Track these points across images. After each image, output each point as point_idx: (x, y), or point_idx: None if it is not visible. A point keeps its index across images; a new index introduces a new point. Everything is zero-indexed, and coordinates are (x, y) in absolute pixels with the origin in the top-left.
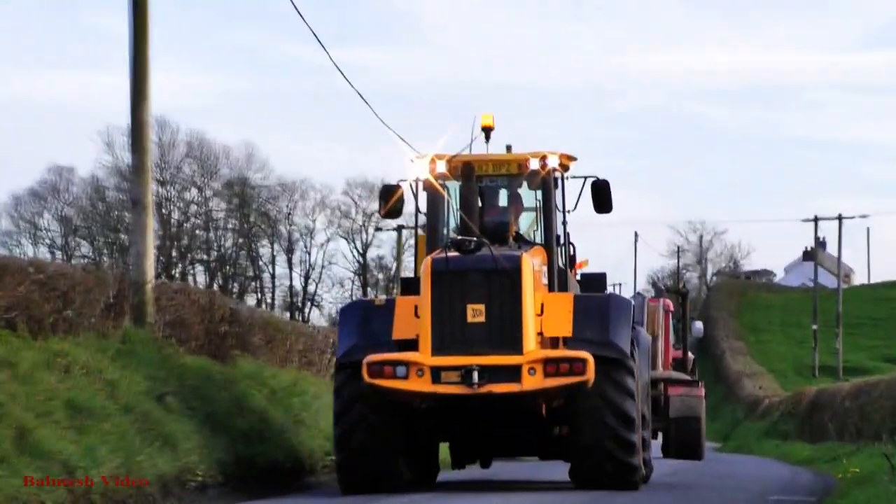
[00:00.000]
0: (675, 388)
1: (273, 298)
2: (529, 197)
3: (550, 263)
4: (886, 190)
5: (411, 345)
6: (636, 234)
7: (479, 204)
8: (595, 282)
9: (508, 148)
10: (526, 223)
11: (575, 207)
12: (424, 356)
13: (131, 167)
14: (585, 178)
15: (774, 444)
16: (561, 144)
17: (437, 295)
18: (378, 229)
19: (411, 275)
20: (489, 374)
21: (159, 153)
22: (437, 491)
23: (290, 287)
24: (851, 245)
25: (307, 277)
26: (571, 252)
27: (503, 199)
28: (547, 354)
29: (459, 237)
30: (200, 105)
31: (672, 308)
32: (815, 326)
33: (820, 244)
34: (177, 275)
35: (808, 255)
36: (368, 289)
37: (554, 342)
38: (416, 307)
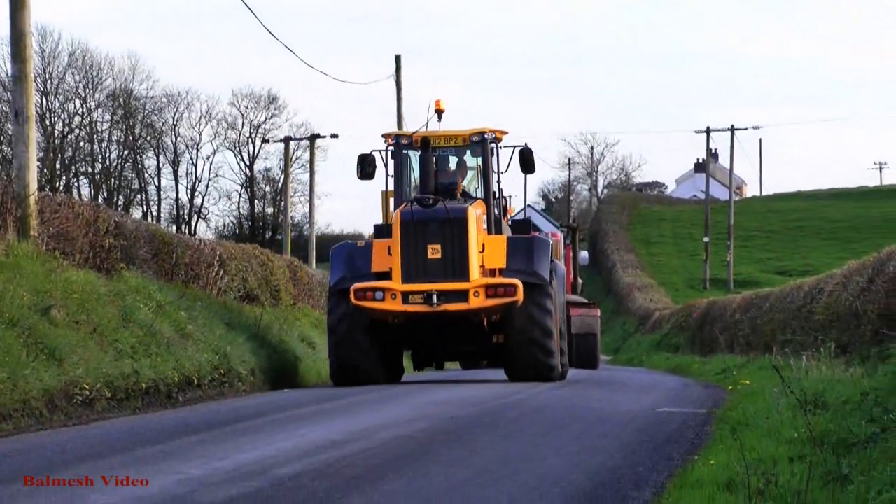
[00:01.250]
0: (575, 309)
1: (159, 211)
2: (472, 162)
3: (489, 213)
4: (779, 101)
5: (386, 276)
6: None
7: (434, 168)
8: (522, 225)
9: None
10: (470, 182)
11: (506, 169)
12: (396, 283)
13: (11, 77)
14: (514, 146)
15: (665, 357)
16: (462, 54)
17: (405, 238)
18: (265, 141)
19: (371, 214)
20: (445, 296)
21: (41, 63)
22: (403, 386)
23: (177, 200)
24: (744, 157)
25: (193, 190)
26: (504, 203)
27: (452, 164)
28: (487, 281)
29: (421, 195)
30: (83, 14)
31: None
32: (706, 239)
33: (712, 156)
34: (61, 187)
35: (699, 167)
36: (256, 202)
37: (492, 272)
38: (388, 247)
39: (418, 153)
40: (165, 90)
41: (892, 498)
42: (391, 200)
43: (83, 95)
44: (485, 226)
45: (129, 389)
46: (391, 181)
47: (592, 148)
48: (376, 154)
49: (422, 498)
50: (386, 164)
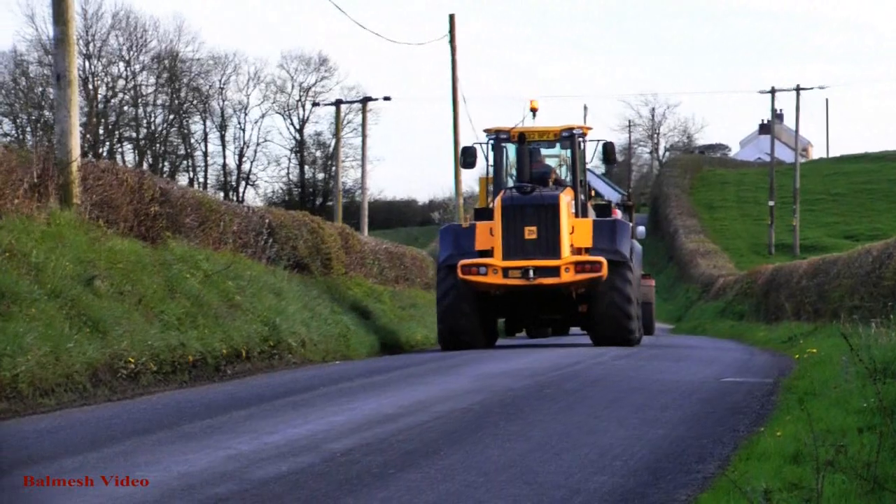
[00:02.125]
0: None
1: (206, 178)
2: (559, 152)
3: (576, 199)
4: (846, 60)
5: (487, 253)
6: (585, 108)
7: (529, 159)
8: (604, 208)
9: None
10: (560, 170)
11: (591, 160)
12: (497, 260)
13: (54, 40)
14: (598, 140)
15: (729, 325)
16: (519, 13)
17: (506, 220)
18: (315, 104)
19: (467, 200)
20: (540, 271)
21: (84, 25)
22: (498, 349)
23: (224, 165)
24: (810, 118)
25: (241, 155)
26: (590, 189)
27: (545, 155)
28: (576, 259)
29: (519, 183)
30: None
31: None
32: (771, 203)
33: (777, 117)
34: (104, 153)
35: (764, 129)
36: (306, 167)
37: (580, 251)
38: (490, 229)
39: (515, 146)
40: (212, 53)
41: None
42: (487, 188)
43: (127, 58)
44: (573, 210)
45: (176, 363)
46: (490, 170)
47: (653, 109)
48: (477, 147)
49: (481, 472)
50: (487, 156)
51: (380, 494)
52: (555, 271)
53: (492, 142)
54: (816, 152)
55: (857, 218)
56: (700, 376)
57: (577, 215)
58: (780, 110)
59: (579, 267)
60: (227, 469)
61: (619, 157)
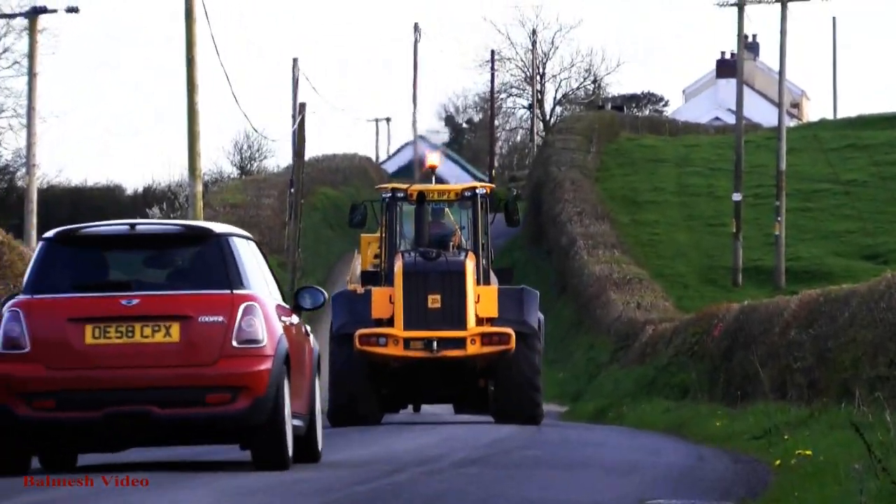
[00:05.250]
0: None
1: None
2: (463, 215)
3: (478, 264)
4: None
5: (385, 322)
6: (416, 27)
7: (430, 220)
8: (506, 273)
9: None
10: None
11: (492, 221)
12: (398, 330)
13: None
14: (502, 199)
15: (663, 408)
16: None
17: (407, 288)
18: None
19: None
20: (444, 343)
21: None
22: (387, 425)
23: None
24: (803, 51)
25: None
26: (491, 255)
27: (443, 216)
28: (483, 330)
29: (424, 248)
30: None
31: None
32: (737, 196)
33: (748, 47)
34: None
35: (724, 68)
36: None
37: (483, 321)
38: (389, 296)
39: (412, 206)
40: None
41: None
42: (368, 247)
43: None
44: (476, 277)
45: None
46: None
47: (535, 32)
48: (367, 205)
49: None
50: (377, 215)
51: None
52: (460, 343)
53: (385, 200)
54: (814, 110)
55: (886, 226)
56: (607, 498)
57: (479, 282)
58: (754, 37)
59: (486, 339)
60: None
61: (477, 114)
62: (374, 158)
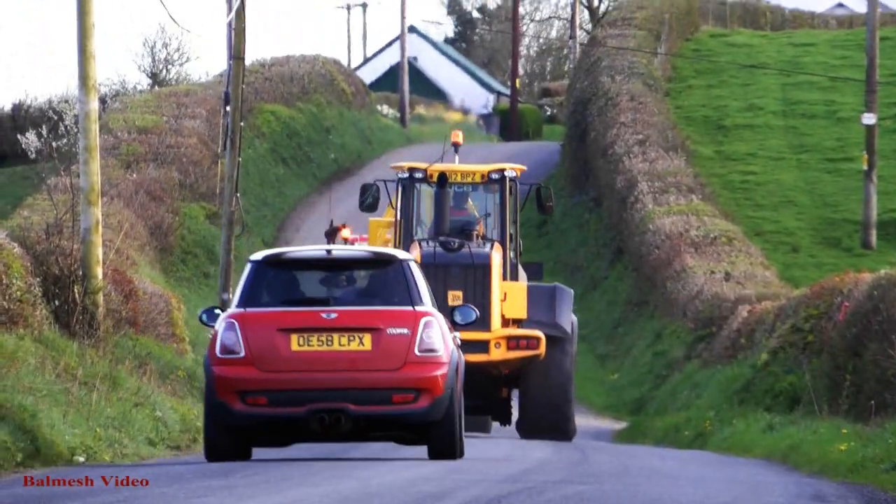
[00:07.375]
0: None
1: None
2: (489, 200)
3: (505, 257)
4: None
5: None
6: (543, 184)
7: (451, 205)
8: (534, 267)
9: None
10: (486, 221)
11: (522, 208)
12: None
13: None
14: (531, 185)
15: (764, 425)
16: None
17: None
18: None
19: None
20: (465, 346)
21: None
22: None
23: None
24: None
25: None
26: (519, 247)
27: (468, 202)
28: (509, 332)
29: (445, 238)
30: None
31: None
32: (869, 118)
33: None
34: None
35: None
36: None
37: (509, 323)
38: None
39: (433, 189)
40: None
41: None
42: (378, 234)
43: None
44: (503, 272)
45: None
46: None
47: None
48: (380, 185)
49: None
50: (391, 198)
51: None
52: (483, 346)
53: (401, 180)
54: None
55: None
56: None
57: (506, 278)
58: None
59: (512, 342)
60: None
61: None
62: (345, 62)
